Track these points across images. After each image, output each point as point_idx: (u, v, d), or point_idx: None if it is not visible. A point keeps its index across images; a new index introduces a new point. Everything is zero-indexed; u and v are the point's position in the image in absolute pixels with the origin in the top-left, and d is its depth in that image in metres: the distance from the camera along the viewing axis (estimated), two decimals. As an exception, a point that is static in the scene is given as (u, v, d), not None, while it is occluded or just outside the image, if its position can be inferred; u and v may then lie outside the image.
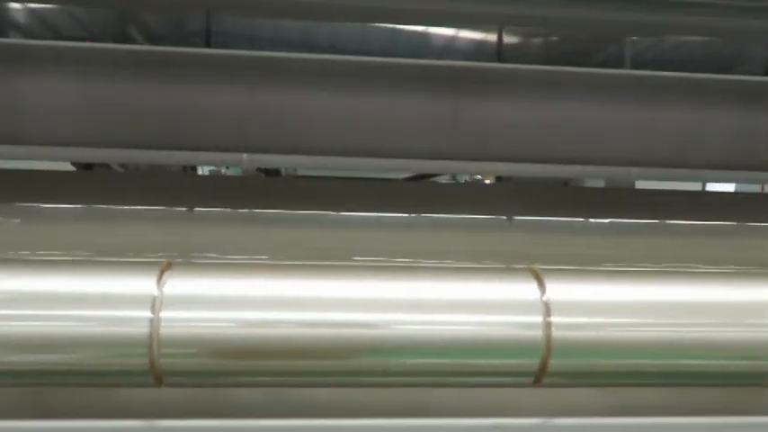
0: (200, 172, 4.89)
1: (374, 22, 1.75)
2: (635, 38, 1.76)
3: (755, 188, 4.33)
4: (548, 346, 1.29)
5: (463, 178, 5.42)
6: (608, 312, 1.31)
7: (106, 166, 2.93)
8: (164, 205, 1.80)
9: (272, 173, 4.27)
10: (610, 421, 1.57)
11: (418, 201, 1.84)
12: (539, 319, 1.29)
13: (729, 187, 4.40)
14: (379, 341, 1.25)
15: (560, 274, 1.37)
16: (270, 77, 1.45)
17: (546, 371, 1.31)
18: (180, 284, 1.25)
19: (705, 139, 1.53)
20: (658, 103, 1.50)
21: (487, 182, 5.66)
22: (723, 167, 1.69)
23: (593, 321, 1.30)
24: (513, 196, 1.91)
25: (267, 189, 2.01)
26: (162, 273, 1.27)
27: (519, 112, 1.53)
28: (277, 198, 2.00)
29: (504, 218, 1.68)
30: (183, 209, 1.76)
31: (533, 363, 1.30)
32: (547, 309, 1.30)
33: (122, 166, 2.99)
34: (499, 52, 1.59)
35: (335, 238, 1.87)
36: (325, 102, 1.49)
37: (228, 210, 1.83)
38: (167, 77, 1.43)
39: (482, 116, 1.49)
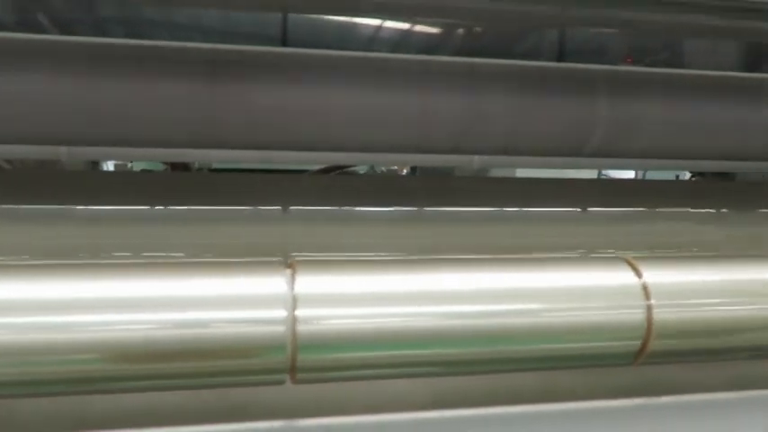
0: (104, 168, 4.74)
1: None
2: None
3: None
4: (294, 342, 1.23)
5: (380, 169, 5.38)
6: (359, 303, 1.26)
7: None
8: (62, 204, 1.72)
9: (180, 167, 4.15)
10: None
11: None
12: (283, 313, 1.23)
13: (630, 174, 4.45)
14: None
15: (314, 265, 1.31)
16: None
17: (295, 367, 1.25)
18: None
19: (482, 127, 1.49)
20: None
21: (404, 172, 5.64)
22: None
23: (341, 312, 1.25)
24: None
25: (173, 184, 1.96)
26: None
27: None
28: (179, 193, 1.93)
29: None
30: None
31: (282, 359, 1.24)
32: (294, 302, 1.25)
33: (8, 162, 2.85)
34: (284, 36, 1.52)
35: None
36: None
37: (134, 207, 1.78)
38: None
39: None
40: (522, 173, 3.68)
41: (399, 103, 1.44)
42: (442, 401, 1.58)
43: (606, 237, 1.65)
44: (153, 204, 1.83)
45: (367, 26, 1.53)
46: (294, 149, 1.45)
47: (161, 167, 5.04)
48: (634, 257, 1.39)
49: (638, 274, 1.36)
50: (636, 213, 2.03)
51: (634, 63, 2.46)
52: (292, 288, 1.26)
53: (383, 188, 2.05)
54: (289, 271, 1.30)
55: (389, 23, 1.62)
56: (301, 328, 1.23)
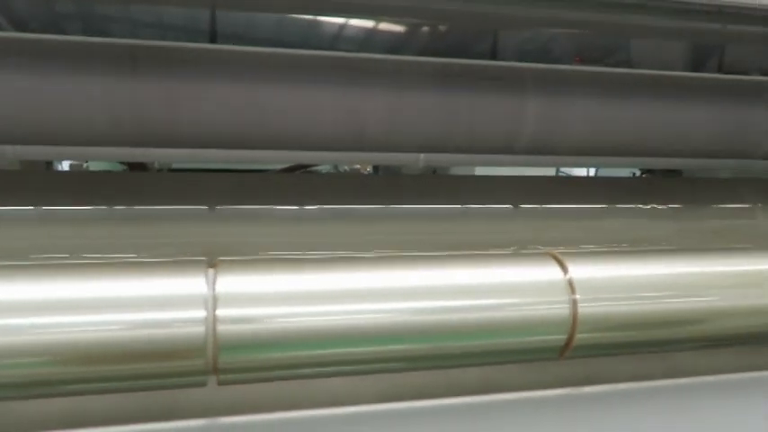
0: (58, 167, 4.63)
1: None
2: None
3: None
4: (215, 343, 1.21)
5: (343, 168, 5.36)
6: (282, 302, 1.25)
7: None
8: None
9: (138, 166, 4.07)
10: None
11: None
12: (203, 313, 1.21)
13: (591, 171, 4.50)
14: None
15: (238, 264, 1.29)
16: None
17: (217, 368, 1.23)
18: None
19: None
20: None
21: (368, 170, 5.63)
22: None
23: (263, 312, 1.24)
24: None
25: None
26: None
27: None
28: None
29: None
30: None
31: (203, 361, 1.22)
32: (215, 301, 1.23)
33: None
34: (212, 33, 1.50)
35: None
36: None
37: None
38: None
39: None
40: (481, 171, 3.70)
41: (329, 100, 1.43)
42: (373, 396, 1.57)
43: (545, 232, 1.66)
44: (94, 205, 1.79)
45: (295, 23, 1.51)
46: (221, 147, 1.43)
47: (120, 168, 4.95)
48: (561, 253, 1.40)
49: (565, 270, 1.37)
50: (589, 210, 2.05)
51: (582, 62, 2.49)
52: (213, 288, 1.24)
53: (327, 187, 2.04)
54: (211, 271, 1.28)
55: (324, 19, 1.61)
56: (222, 328, 1.22)
